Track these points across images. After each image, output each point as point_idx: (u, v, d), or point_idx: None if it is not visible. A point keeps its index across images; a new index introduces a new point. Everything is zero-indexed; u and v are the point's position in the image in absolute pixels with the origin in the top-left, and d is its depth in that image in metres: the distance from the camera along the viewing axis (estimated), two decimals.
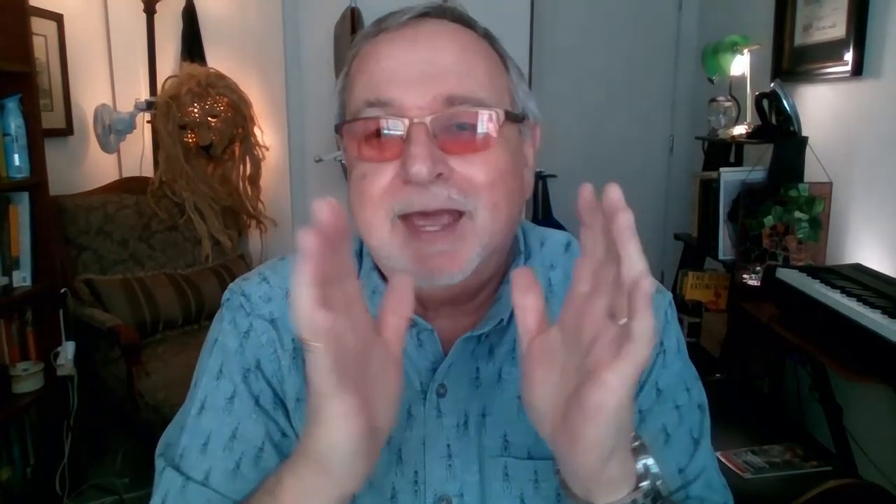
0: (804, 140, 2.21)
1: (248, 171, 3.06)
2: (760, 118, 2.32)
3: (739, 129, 2.42)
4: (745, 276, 2.18)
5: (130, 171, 3.10)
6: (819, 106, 2.31)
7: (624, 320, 0.43)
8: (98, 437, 2.55)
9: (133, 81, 3.12)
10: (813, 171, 2.18)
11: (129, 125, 2.91)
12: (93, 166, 2.94)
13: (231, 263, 2.94)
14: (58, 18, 2.68)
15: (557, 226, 2.93)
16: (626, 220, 0.42)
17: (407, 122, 0.59)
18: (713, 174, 2.42)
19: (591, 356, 0.46)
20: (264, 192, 3.14)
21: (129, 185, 2.90)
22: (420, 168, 0.57)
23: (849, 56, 2.06)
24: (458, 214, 0.60)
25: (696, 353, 2.52)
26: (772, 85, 2.27)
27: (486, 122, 0.60)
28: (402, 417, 0.66)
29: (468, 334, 0.66)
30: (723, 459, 1.81)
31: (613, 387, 0.44)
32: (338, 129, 0.66)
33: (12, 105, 2.10)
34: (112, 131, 2.88)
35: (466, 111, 0.60)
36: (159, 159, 2.93)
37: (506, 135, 0.62)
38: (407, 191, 0.59)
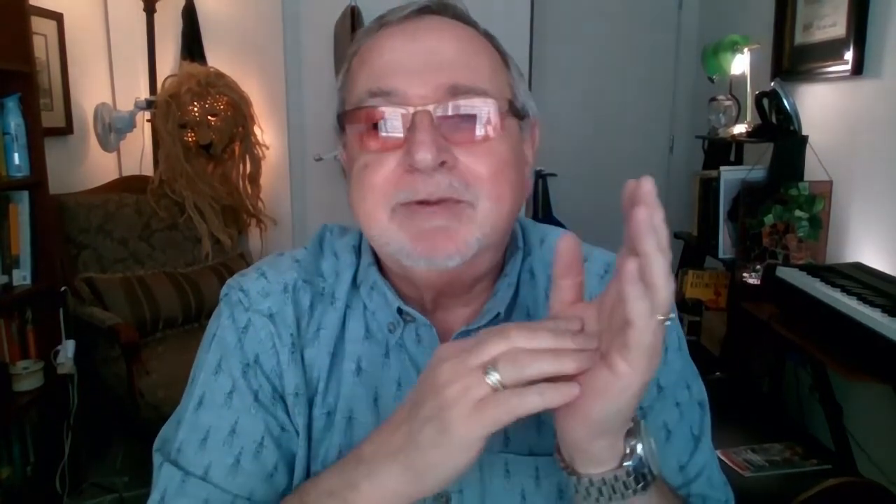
0: (804, 139, 2.21)
1: (248, 169, 3.06)
2: (760, 117, 2.32)
3: (739, 128, 2.41)
4: (745, 274, 2.18)
5: (130, 169, 3.10)
6: (819, 105, 2.31)
7: (661, 317, 0.43)
8: (98, 435, 2.55)
9: (133, 80, 3.12)
10: (813, 170, 2.18)
11: (129, 124, 2.91)
12: (93, 165, 2.94)
13: (231, 262, 2.94)
14: (58, 17, 2.68)
15: (557, 224, 2.93)
16: (643, 216, 0.41)
17: (411, 110, 0.59)
18: (713, 173, 2.42)
19: (610, 339, 0.47)
20: (264, 190, 3.14)
21: (129, 184, 2.90)
22: (425, 155, 0.57)
23: (849, 55, 2.06)
24: (455, 202, 0.60)
25: (696, 351, 2.52)
26: (772, 84, 2.27)
27: (490, 113, 0.60)
28: None
29: (464, 328, 0.67)
30: (723, 458, 1.81)
31: (621, 372, 0.45)
32: (340, 119, 0.66)
33: (12, 104, 2.11)
34: (112, 130, 2.88)
35: (470, 101, 0.60)
36: (159, 158, 2.94)
37: (507, 128, 0.63)
38: (410, 179, 0.59)
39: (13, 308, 2.19)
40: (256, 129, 3.05)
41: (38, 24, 2.49)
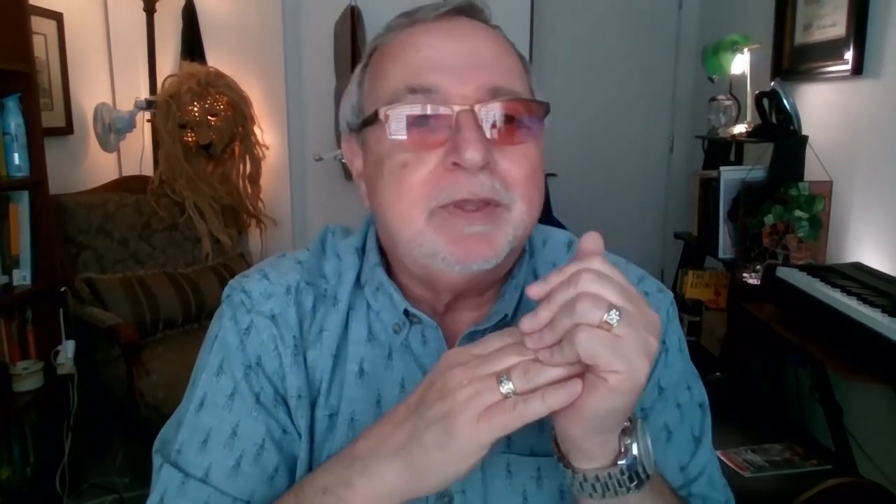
0: (804, 139, 2.21)
1: (248, 169, 3.06)
2: (760, 117, 2.32)
3: (739, 128, 2.42)
4: (745, 274, 2.18)
5: (130, 169, 3.10)
6: (819, 105, 2.31)
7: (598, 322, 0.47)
8: (98, 436, 2.55)
9: (133, 80, 3.12)
10: (813, 170, 2.18)
11: (129, 124, 2.91)
12: (93, 165, 2.94)
13: (231, 262, 2.94)
14: (58, 17, 2.68)
15: (558, 224, 2.93)
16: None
17: (456, 108, 0.58)
18: (713, 173, 2.42)
19: None
20: (264, 190, 3.14)
21: (128, 184, 2.90)
22: (474, 154, 0.57)
23: (849, 55, 2.06)
24: (496, 205, 0.60)
25: (697, 351, 2.52)
26: (772, 84, 2.27)
27: (531, 116, 0.61)
28: None
29: (472, 329, 0.66)
30: (723, 458, 1.81)
31: (605, 374, 0.48)
32: (369, 119, 0.63)
33: (12, 104, 2.10)
34: (112, 130, 2.88)
35: (513, 103, 0.60)
36: (159, 158, 2.93)
37: (539, 131, 0.63)
38: (452, 178, 0.59)
39: (13, 308, 2.19)
40: (256, 129, 3.05)
41: (37, 23, 2.49)
